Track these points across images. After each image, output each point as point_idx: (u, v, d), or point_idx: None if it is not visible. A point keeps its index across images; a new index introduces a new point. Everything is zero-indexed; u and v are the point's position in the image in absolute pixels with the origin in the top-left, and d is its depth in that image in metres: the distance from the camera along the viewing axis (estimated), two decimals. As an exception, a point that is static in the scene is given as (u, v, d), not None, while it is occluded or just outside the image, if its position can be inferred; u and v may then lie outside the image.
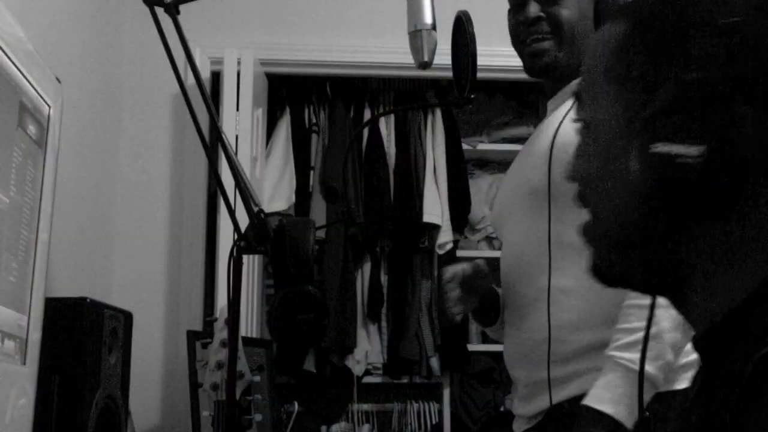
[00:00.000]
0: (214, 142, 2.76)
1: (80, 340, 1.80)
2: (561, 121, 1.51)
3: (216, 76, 3.17)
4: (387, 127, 3.66)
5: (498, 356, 3.77)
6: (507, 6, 1.66)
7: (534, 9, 1.59)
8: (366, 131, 3.61)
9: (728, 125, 0.68)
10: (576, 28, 1.58)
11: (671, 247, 0.74)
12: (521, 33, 1.62)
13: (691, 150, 0.69)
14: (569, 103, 1.53)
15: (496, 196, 1.77)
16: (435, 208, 3.50)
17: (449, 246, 3.55)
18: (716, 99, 0.68)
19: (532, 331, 1.52)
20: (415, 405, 3.66)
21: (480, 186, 3.87)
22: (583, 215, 0.82)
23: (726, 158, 0.68)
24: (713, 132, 0.68)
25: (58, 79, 1.72)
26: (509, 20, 1.66)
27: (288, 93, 3.68)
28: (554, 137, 1.50)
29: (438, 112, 3.66)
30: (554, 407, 1.47)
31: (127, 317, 2.09)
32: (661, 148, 0.70)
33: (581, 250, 0.80)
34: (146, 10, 1.28)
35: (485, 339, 3.73)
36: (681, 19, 0.72)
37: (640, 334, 1.31)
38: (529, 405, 1.53)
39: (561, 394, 1.47)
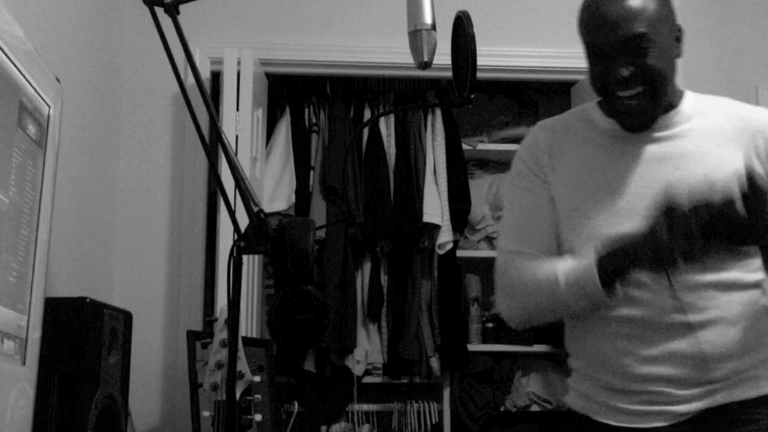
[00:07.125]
0: (214, 142, 2.76)
1: (80, 340, 1.80)
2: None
3: (216, 76, 3.17)
4: (387, 127, 3.66)
5: (498, 356, 3.78)
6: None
7: (625, 68, 1.53)
8: (366, 131, 3.61)
9: None
10: (665, 73, 1.55)
11: None
12: (611, 87, 1.56)
13: None
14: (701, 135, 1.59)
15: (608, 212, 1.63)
16: (435, 208, 3.49)
17: (449, 246, 3.55)
18: None
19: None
20: (415, 405, 3.65)
21: (480, 186, 3.87)
22: None
23: None
24: None
25: (58, 79, 1.72)
26: (593, 67, 1.60)
27: (288, 93, 3.68)
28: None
29: (438, 112, 3.66)
30: (720, 407, 1.52)
31: (127, 317, 2.09)
32: None
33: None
34: (146, 10, 1.28)
35: (485, 339, 3.72)
36: None
37: None
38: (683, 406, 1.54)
39: (732, 395, 1.52)
